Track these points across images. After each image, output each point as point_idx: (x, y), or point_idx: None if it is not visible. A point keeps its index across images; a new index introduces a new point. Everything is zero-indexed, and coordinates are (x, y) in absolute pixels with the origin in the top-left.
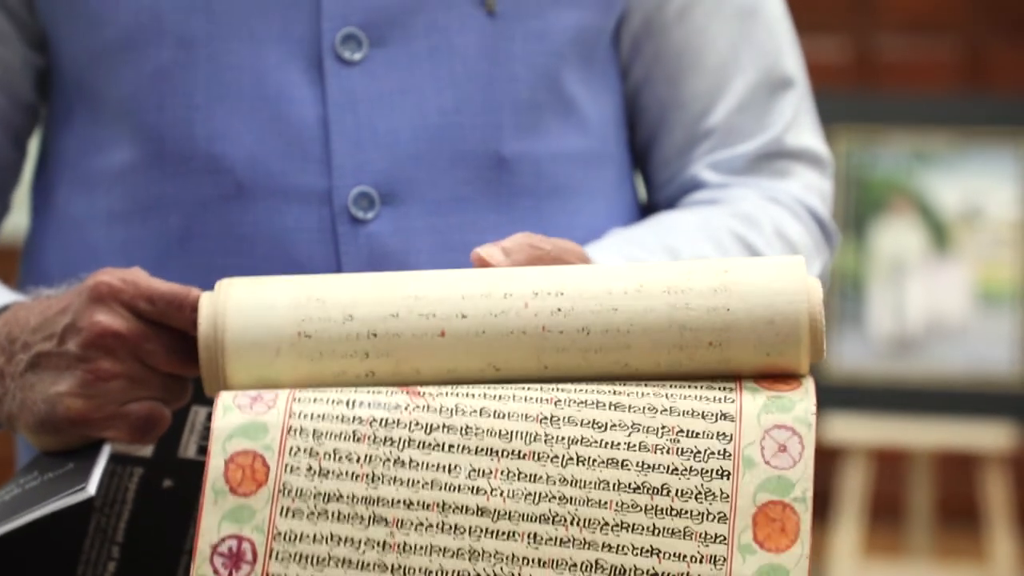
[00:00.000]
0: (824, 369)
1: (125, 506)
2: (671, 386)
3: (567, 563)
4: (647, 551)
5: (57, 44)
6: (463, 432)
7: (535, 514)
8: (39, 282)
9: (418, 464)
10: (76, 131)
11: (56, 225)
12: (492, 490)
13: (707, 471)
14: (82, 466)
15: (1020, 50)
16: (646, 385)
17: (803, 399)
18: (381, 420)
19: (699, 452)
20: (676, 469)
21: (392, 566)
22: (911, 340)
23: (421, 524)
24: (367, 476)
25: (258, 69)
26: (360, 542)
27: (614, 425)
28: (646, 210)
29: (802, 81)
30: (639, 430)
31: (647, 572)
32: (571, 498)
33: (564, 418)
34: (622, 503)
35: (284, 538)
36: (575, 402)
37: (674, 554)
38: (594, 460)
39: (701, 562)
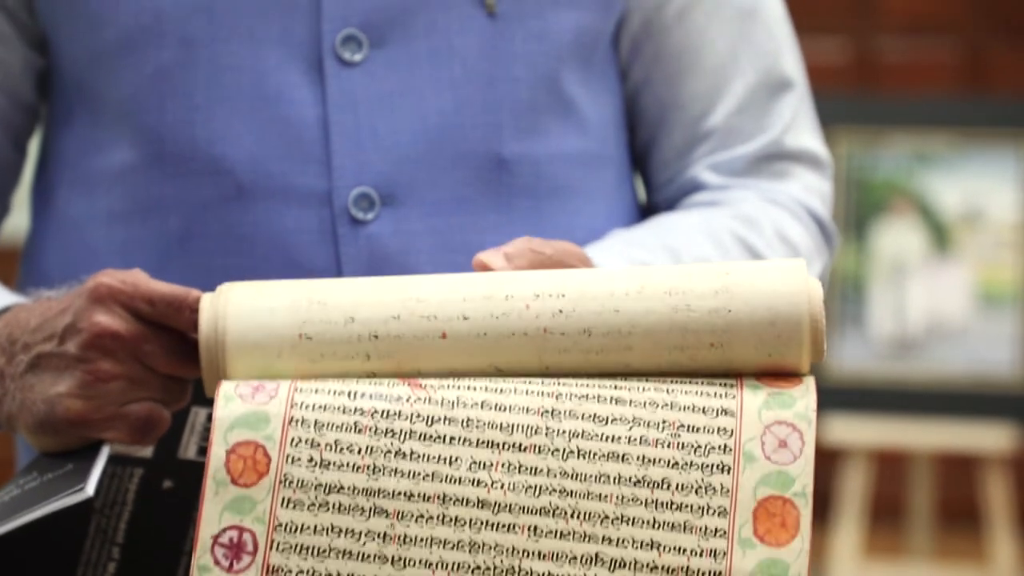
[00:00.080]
0: (825, 370)
1: (125, 507)
2: (672, 382)
3: (567, 556)
4: (647, 544)
5: (57, 45)
6: (464, 424)
7: (535, 507)
8: (39, 283)
9: (419, 456)
10: (76, 132)
11: (56, 226)
12: (493, 483)
13: (707, 465)
14: (81, 467)
15: (1020, 52)
16: (647, 380)
17: (804, 396)
18: (383, 412)
19: (699, 447)
20: (676, 463)
21: (392, 557)
22: (912, 341)
23: (421, 516)
24: (368, 468)
25: (258, 70)
26: (361, 533)
27: (615, 419)
28: (646, 211)
29: (801, 82)
30: (640, 424)
31: (647, 565)
32: (572, 491)
33: (565, 412)
34: (622, 496)
35: (285, 529)
36: (576, 396)
37: (674, 547)
38: (595, 454)
39: (701, 556)
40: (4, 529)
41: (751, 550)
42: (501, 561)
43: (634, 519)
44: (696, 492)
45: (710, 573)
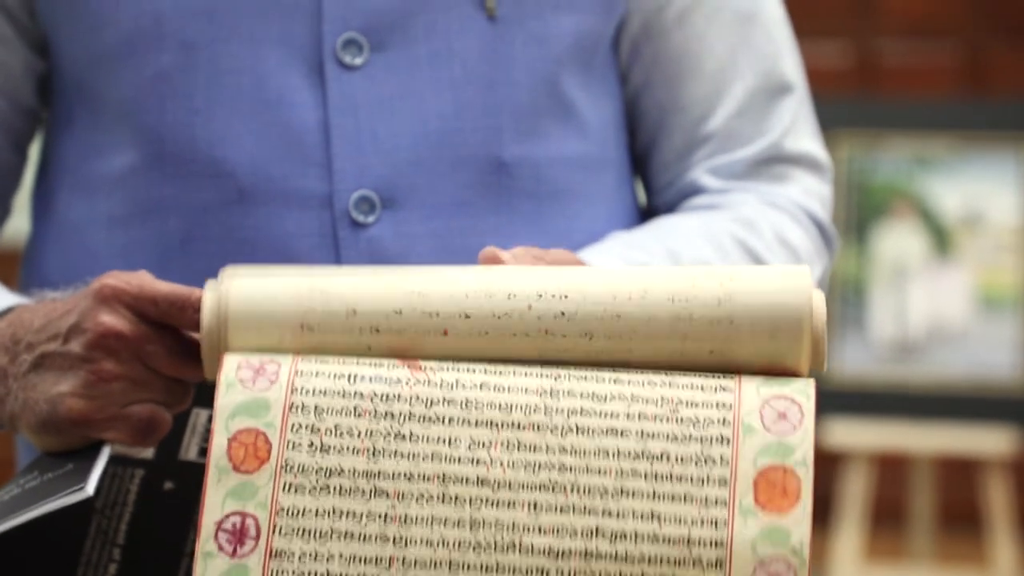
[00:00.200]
0: (825, 373)
1: (126, 508)
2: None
3: (568, 530)
4: (647, 516)
5: (58, 48)
6: (463, 405)
7: (535, 483)
8: (39, 287)
9: (418, 437)
10: (77, 135)
11: (57, 229)
12: (492, 461)
13: (707, 438)
14: (82, 466)
15: (1021, 54)
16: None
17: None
18: (382, 395)
19: (698, 421)
20: (676, 437)
21: (394, 538)
22: (913, 345)
23: (422, 496)
24: (368, 450)
25: (259, 73)
26: (362, 515)
27: (613, 397)
28: (646, 214)
29: (801, 86)
30: (638, 401)
31: (648, 537)
32: (571, 467)
33: (564, 391)
34: (622, 470)
35: (287, 513)
36: (575, 377)
37: (675, 518)
38: (593, 430)
39: (702, 525)
40: (3, 527)
41: (752, 518)
42: (502, 537)
43: (634, 492)
44: (696, 464)
45: (711, 542)
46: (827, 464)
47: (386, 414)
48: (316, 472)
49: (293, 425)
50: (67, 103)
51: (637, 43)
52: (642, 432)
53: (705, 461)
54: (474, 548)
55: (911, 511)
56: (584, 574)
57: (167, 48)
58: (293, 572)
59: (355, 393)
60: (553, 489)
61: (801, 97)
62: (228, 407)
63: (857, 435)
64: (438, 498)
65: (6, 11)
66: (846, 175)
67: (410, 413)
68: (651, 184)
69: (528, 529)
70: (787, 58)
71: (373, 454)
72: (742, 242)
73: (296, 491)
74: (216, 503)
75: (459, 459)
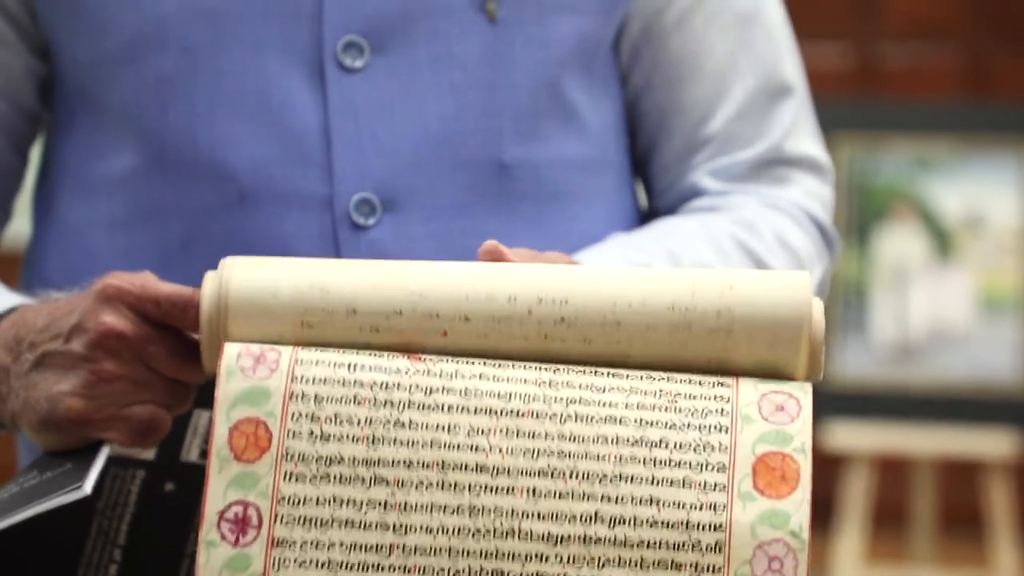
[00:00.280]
0: (827, 376)
1: (127, 509)
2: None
3: (567, 515)
4: (646, 501)
5: (59, 51)
6: (462, 394)
7: (534, 469)
8: (40, 289)
9: (418, 425)
10: (78, 138)
11: (57, 232)
12: (491, 448)
13: (705, 426)
14: (80, 466)
15: (1022, 57)
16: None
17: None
18: (381, 384)
19: (696, 411)
20: (674, 424)
21: (394, 525)
22: (914, 347)
23: (421, 483)
24: (368, 438)
25: (260, 76)
26: (362, 503)
27: (611, 388)
28: (646, 217)
29: (802, 88)
30: (637, 392)
31: (647, 521)
32: (569, 453)
33: (562, 382)
34: (620, 456)
35: (288, 502)
36: (573, 370)
37: (674, 503)
38: (592, 417)
39: (701, 509)
40: (1, 525)
41: (751, 502)
42: (501, 523)
43: (633, 477)
44: (694, 450)
45: (710, 526)
46: (828, 466)
47: (385, 402)
48: (316, 460)
49: (293, 414)
50: (68, 106)
51: (637, 46)
52: (640, 420)
53: (703, 448)
54: (473, 534)
55: (912, 513)
56: (583, 559)
57: (169, 52)
58: (295, 560)
59: (355, 382)
60: (552, 475)
61: (801, 99)
62: (229, 396)
63: (858, 437)
64: (437, 485)
65: (8, 14)
66: (847, 177)
67: (409, 401)
68: (651, 186)
69: (527, 515)
70: (787, 60)
71: (373, 442)
72: (742, 244)
73: (297, 480)
74: (218, 493)
75: (458, 446)
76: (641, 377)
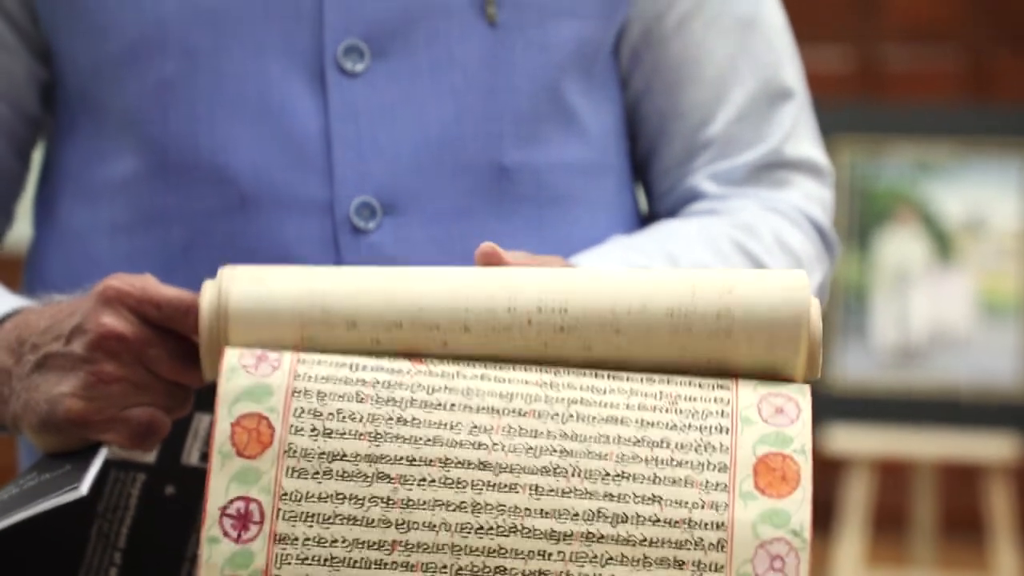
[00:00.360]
0: (827, 379)
1: (127, 512)
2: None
3: (569, 513)
4: (649, 499)
5: (61, 55)
6: (464, 393)
7: (536, 467)
8: (43, 293)
9: (420, 422)
10: (79, 142)
11: (59, 236)
12: (493, 445)
13: (706, 427)
14: (79, 467)
15: (1023, 59)
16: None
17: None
18: (384, 382)
19: (697, 412)
20: (675, 425)
21: (396, 521)
22: (915, 350)
23: (424, 480)
24: (370, 435)
25: (261, 80)
26: (365, 499)
27: (612, 390)
28: (646, 220)
29: (801, 92)
30: (638, 394)
31: (649, 519)
32: (572, 451)
33: (564, 383)
34: (622, 455)
35: (290, 498)
36: (574, 372)
37: (676, 501)
38: (593, 417)
39: (703, 508)
40: (0, 525)
41: (752, 502)
42: (504, 520)
43: (635, 475)
44: (695, 450)
45: (712, 524)
46: (829, 470)
47: (388, 399)
48: (319, 456)
49: (296, 410)
50: (70, 110)
51: (637, 50)
52: (642, 420)
53: (704, 448)
54: (476, 531)
55: (913, 517)
56: (586, 556)
57: (170, 56)
58: (297, 556)
59: (357, 380)
60: (554, 473)
61: (802, 103)
62: (231, 392)
63: (859, 441)
64: (440, 482)
65: (9, 19)
66: (848, 180)
67: (412, 399)
68: (652, 190)
69: (530, 512)
70: (787, 64)
71: (375, 438)
72: (742, 246)
73: (299, 475)
74: (220, 488)
75: (461, 443)
76: (641, 379)
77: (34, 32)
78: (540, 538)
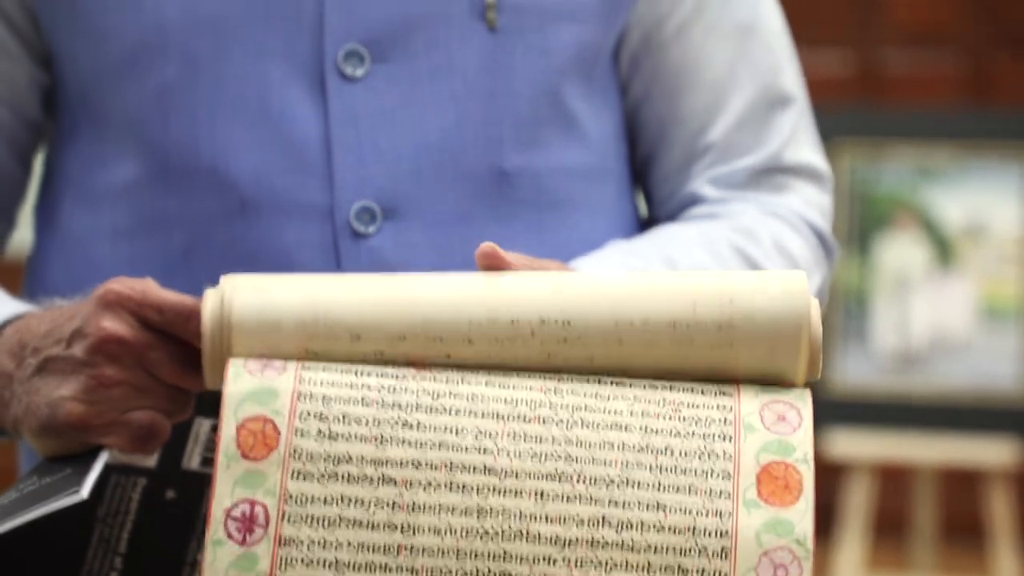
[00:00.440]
0: (828, 384)
1: (128, 516)
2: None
3: (574, 518)
4: (652, 506)
5: (62, 61)
6: (469, 398)
7: (541, 472)
8: (44, 298)
9: (425, 426)
10: (80, 148)
11: (60, 241)
12: (499, 450)
13: (709, 434)
14: (79, 471)
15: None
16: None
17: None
18: (389, 387)
19: (700, 419)
20: (678, 433)
21: (401, 525)
22: (915, 355)
23: (429, 484)
24: (376, 438)
25: (261, 86)
26: (370, 503)
27: (616, 396)
28: (646, 225)
29: (801, 97)
30: (641, 401)
31: (653, 526)
32: (576, 457)
33: (567, 390)
34: (626, 462)
35: (295, 501)
36: (578, 379)
37: (680, 508)
38: (598, 424)
39: (707, 515)
40: (0, 529)
41: (756, 510)
42: (509, 525)
43: (639, 482)
44: (699, 457)
45: (716, 532)
46: (829, 475)
47: (393, 404)
48: (324, 459)
49: (301, 413)
50: (71, 116)
51: (637, 55)
52: (645, 427)
53: (708, 455)
54: (481, 536)
55: (913, 522)
56: (590, 562)
57: (170, 61)
58: (302, 560)
59: (362, 384)
60: (559, 479)
61: (801, 108)
62: (236, 395)
63: (859, 446)
64: (445, 486)
65: (11, 25)
66: (848, 185)
67: (416, 403)
68: (652, 195)
69: (534, 517)
70: (787, 69)
71: (380, 442)
72: (740, 250)
73: (304, 478)
74: (225, 491)
75: (466, 448)
76: (644, 386)
77: (35, 37)
78: (545, 543)
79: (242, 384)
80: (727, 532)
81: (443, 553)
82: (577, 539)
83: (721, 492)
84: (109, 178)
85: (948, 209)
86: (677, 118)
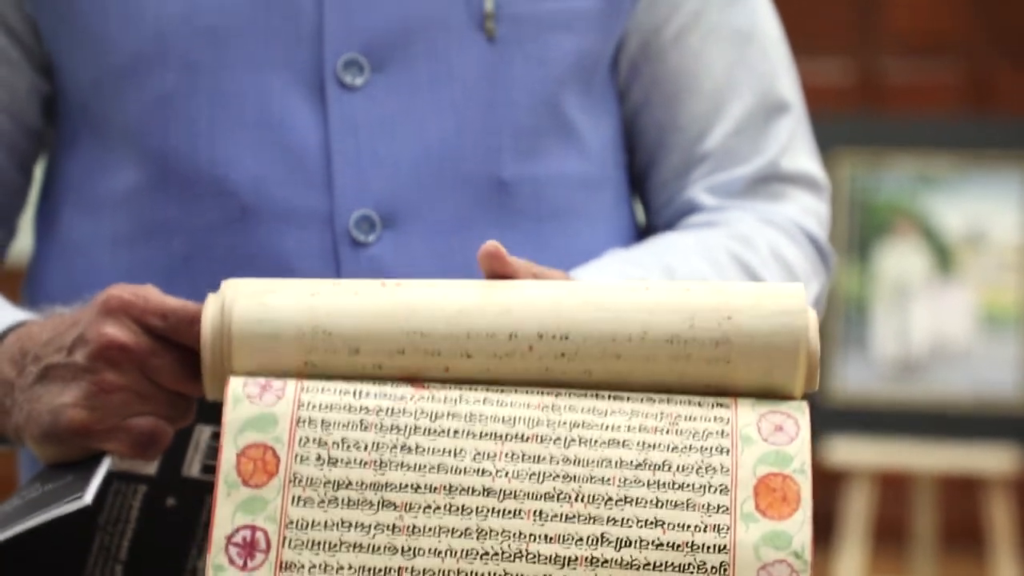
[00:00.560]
0: (828, 392)
1: (129, 524)
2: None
3: (573, 537)
4: (651, 523)
5: (62, 69)
6: (467, 419)
7: (540, 492)
8: (44, 305)
9: (424, 449)
10: (81, 155)
11: (60, 249)
12: (497, 471)
13: (706, 448)
14: (81, 477)
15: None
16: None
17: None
18: (387, 409)
19: (697, 432)
20: (676, 447)
21: (402, 548)
22: (915, 363)
23: (429, 507)
24: (375, 463)
25: (261, 94)
26: (370, 527)
27: (613, 411)
28: (644, 233)
29: (798, 105)
30: (638, 415)
31: (652, 542)
32: (574, 476)
33: (565, 406)
34: (625, 479)
35: (296, 526)
36: (575, 394)
37: (678, 524)
38: (595, 440)
39: (705, 531)
40: (2, 536)
41: (754, 523)
42: (509, 546)
43: (637, 499)
44: (697, 472)
45: (715, 547)
46: (829, 482)
47: (392, 427)
48: (324, 484)
49: (301, 439)
50: (71, 124)
51: (636, 63)
52: (643, 443)
53: (705, 470)
54: (481, 557)
55: (913, 530)
56: None
57: (170, 69)
58: None
59: (361, 407)
60: (558, 498)
61: (798, 116)
62: (236, 422)
63: (859, 453)
64: (445, 508)
65: (12, 33)
66: (848, 193)
67: (415, 426)
68: (650, 203)
69: (534, 537)
70: (784, 77)
71: (380, 466)
72: (738, 257)
73: (305, 504)
74: (226, 517)
75: (465, 470)
76: (642, 400)
77: (36, 46)
78: (545, 563)
79: (241, 411)
80: (725, 547)
81: (444, 575)
82: (577, 558)
83: (719, 507)
84: (109, 185)
85: (948, 217)
86: (675, 125)
